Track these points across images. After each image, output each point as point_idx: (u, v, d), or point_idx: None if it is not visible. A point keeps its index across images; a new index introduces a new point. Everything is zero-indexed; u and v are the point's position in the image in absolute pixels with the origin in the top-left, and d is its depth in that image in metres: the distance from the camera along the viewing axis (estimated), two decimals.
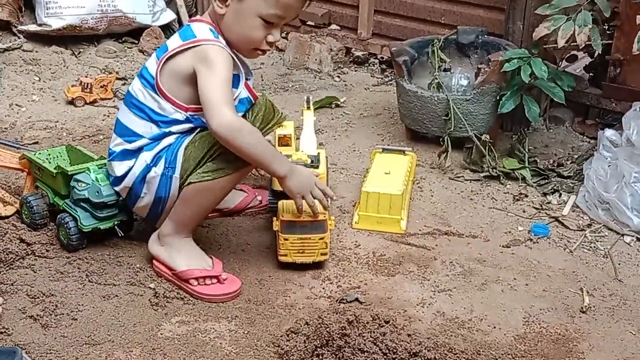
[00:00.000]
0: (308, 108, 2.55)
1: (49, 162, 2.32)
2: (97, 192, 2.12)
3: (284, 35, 3.90)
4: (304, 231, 2.11)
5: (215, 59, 1.99)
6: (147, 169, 2.07)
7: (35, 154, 2.32)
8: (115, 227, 2.18)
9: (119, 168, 2.10)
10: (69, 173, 2.17)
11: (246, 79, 2.14)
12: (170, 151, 2.05)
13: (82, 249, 2.19)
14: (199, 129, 2.07)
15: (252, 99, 2.14)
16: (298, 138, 2.52)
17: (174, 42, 2.06)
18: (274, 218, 2.14)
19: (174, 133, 2.07)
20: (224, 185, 2.05)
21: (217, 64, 1.98)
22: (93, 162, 2.23)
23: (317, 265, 2.17)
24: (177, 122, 2.06)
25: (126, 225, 2.23)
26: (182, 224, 2.10)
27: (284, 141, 2.41)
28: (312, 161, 2.26)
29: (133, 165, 2.08)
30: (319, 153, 2.34)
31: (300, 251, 2.12)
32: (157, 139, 2.07)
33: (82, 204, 2.15)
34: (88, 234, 2.17)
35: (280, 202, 2.17)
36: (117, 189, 2.14)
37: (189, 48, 2.01)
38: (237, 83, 2.08)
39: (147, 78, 2.07)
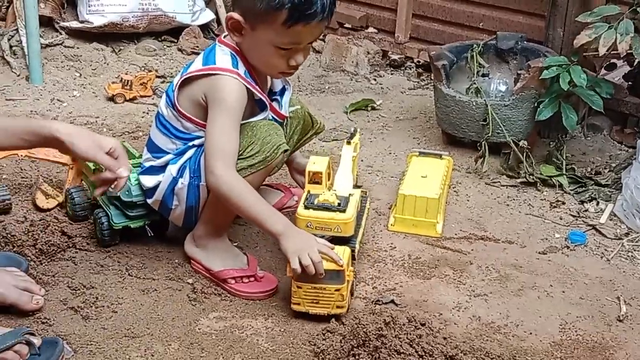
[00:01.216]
0: (348, 143, 2.28)
1: None
2: (127, 191, 2.13)
3: (321, 37, 3.91)
4: (318, 280, 1.92)
5: (227, 96, 1.99)
6: (175, 181, 2.09)
7: None
8: (146, 226, 2.20)
9: (149, 181, 2.14)
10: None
11: (273, 99, 2.16)
12: (194, 160, 2.07)
13: (120, 244, 2.22)
14: None
15: (278, 119, 2.15)
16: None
17: (196, 64, 2.07)
18: (288, 263, 1.94)
19: (197, 145, 2.09)
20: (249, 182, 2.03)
21: (227, 102, 1.98)
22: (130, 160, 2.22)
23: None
24: (200, 137, 2.08)
25: (159, 225, 2.24)
26: (213, 226, 2.13)
27: (315, 178, 2.11)
28: (339, 204, 2.03)
29: (161, 180, 2.11)
30: (350, 195, 2.09)
31: (315, 302, 1.94)
32: (181, 153, 2.10)
33: (114, 201, 2.18)
34: (120, 231, 2.19)
35: None
36: (149, 202, 2.17)
37: (206, 75, 2.02)
38: (262, 107, 2.10)
39: (170, 96, 2.10)
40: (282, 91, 2.22)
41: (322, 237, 2.01)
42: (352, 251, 2.04)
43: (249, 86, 2.03)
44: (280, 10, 1.92)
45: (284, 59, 2.02)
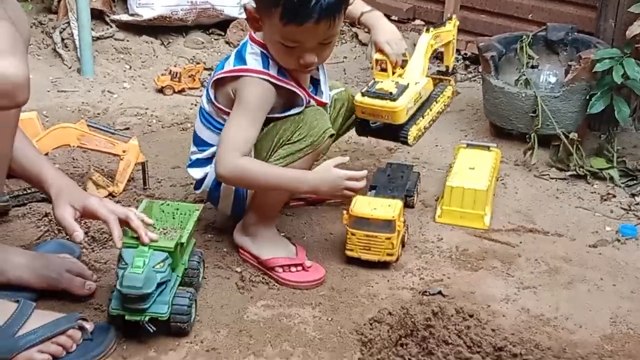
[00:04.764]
0: (427, 30, 2.39)
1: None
2: (121, 278, 1.75)
3: (366, 30, 3.90)
4: (371, 228, 2.09)
5: (248, 94, 1.99)
6: None
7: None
8: (144, 324, 1.78)
9: (197, 173, 2.17)
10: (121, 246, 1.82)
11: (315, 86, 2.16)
12: None
13: None
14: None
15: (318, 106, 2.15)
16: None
17: (229, 62, 2.07)
18: (344, 211, 2.14)
19: None
20: (298, 168, 2.04)
21: (247, 101, 1.99)
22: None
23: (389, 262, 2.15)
24: None
25: (163, 322, 1.82)
26: (264, 213, 2.14)
27: (383, 65, 2.29)
28: (391, 93, 2.16)
29: (209, 171, 2.14)
30: (408, 84, 2.22)
31: (367, 248, 2.11)
32: None
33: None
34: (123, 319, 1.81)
35: (355, 197, 2.16)
36: (198, 192, 2.21)
37: (236, 77, 2.02)
38: (299, 100, 2.07)
39: (209, 93, 2.12)
40: (316, 83, 2.20)
41: (375, 123, 2.22)
42: (405, 141, 2.21)
43: (282, 84, 2.02)
44: (276, 7, 1.89)
45: (292, 57, 1.98)
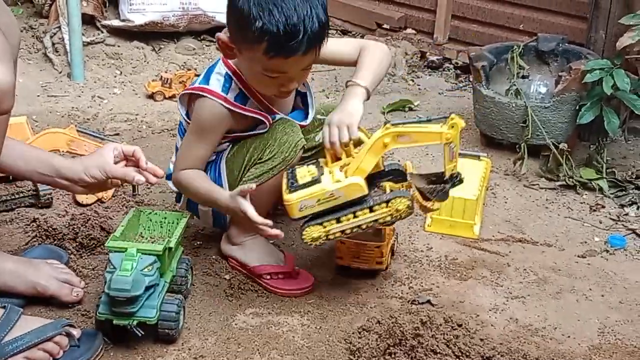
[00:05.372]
0: (385, 125, 1.93)
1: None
2: (109, 282, 1.75)
3: (359, 36, 3.91)
4: (360, 238, 2.06)
5: (200, 116, 2.02)
6: None
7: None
8: (132, 328, 1.78)
9: (174, 187, 2.16)
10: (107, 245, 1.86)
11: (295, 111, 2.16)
12: (213, 168, 2.09)
13: None
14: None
15: None
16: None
17: (198, 79, 2.08)
18: None
19: (215, 152, 2.10)
20: (273, 184, 2.03)
21: (199, 122, 2.02)
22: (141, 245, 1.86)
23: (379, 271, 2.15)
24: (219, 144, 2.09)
25: (151, 326, 1.82)
26: (244, 225, 2.12)
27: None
28: (293, 182, 1.92)
29: None
30: (324, 179, 1.89)
31: (356, 256, 2.11)
32: None
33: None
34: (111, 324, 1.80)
35: None
36: (178, 206, 2.22)
37: (198, 94, 2.03)
38: (261, 125, 2.05)
39: (179, 107, 2.13)
40: (304, 97, 2.20)
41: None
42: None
43: (238, 110, 2.01)
44: (259, 43, 1.85)
45: (273, 85, 1.96)
